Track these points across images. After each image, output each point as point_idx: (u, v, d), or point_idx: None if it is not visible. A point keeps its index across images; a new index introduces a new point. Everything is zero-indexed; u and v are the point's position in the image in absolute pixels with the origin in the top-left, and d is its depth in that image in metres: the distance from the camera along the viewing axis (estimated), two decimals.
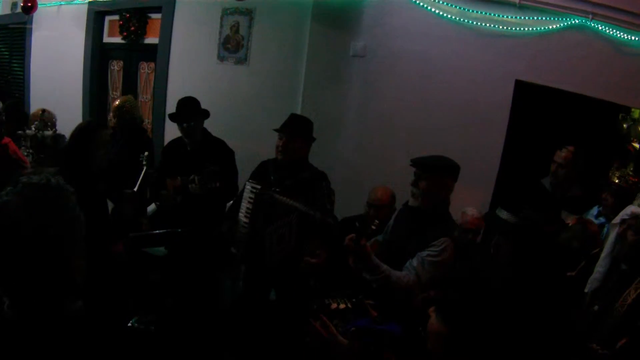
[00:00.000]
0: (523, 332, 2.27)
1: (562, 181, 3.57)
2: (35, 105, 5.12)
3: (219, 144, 3.67)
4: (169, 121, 3.70)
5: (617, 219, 2.87)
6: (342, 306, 2.10)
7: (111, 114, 4.27)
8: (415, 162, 2.60)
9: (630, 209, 2.78)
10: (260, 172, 3.27)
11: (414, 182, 2.60)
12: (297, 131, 3.12)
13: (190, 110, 3.53)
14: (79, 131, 3.00)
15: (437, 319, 1.64)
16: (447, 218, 2.67)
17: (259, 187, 3.05)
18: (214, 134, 3.72)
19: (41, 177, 1.16)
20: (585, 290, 2.82)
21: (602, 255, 2.85)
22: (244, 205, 3.08)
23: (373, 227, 2.76)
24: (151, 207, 4.07)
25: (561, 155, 3.58)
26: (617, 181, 3.57)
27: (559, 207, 3.48)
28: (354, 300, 2.20)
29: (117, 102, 4.29)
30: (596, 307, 2.75)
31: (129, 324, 2.92)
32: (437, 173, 2.58)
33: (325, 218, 2.93)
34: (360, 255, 2.48)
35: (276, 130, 3.15)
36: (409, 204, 2.70)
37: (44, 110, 4.41)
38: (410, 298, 2.45)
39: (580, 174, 3.59)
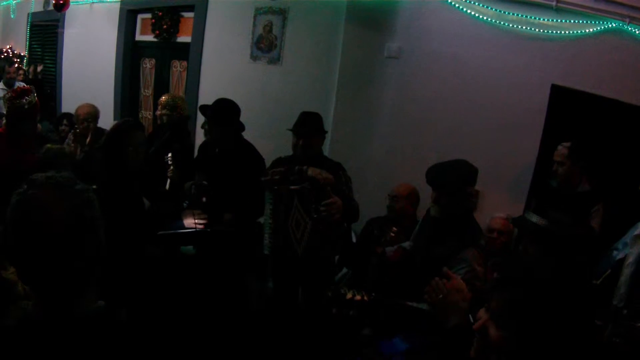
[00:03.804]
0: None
1: (564, 178, 3.51)
2: (67, 102, 5.18)
3: (248, 149, 3.54)
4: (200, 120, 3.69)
5: (638, 231, 2.92)
6: (357, 297, 2.08)
7: (160, 107, 4.12)
8: (430, 182, 2.52)
9: None
10: None
11: (435, 200, 2.52)
12: (312, 129, 3.21)
13: (215, 114, 3.41)
14: (113, 131, 3.02)
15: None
16: (470, 226, 2.57)
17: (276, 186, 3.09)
18: (245, 134, 3.60)
19: (49, 175, 1.14)
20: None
21: (629, 260, 2.84)
22: (267, 207, 3.11)
23: (392, 235, 2.74)
24: None
25: (559, 152, 3.53)
26: None
27: (587, 209, 3.42)
28: (372, 295, 2.18)
29: (166, 98, 4.14)
30: (625, 311, 2.73)
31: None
32: (453, 188, 2.48)
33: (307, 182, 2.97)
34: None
35: (291, 130, 3.20)
36: (431, 213, 2.63)
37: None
38: None
39: (584, 169, 3.50)
